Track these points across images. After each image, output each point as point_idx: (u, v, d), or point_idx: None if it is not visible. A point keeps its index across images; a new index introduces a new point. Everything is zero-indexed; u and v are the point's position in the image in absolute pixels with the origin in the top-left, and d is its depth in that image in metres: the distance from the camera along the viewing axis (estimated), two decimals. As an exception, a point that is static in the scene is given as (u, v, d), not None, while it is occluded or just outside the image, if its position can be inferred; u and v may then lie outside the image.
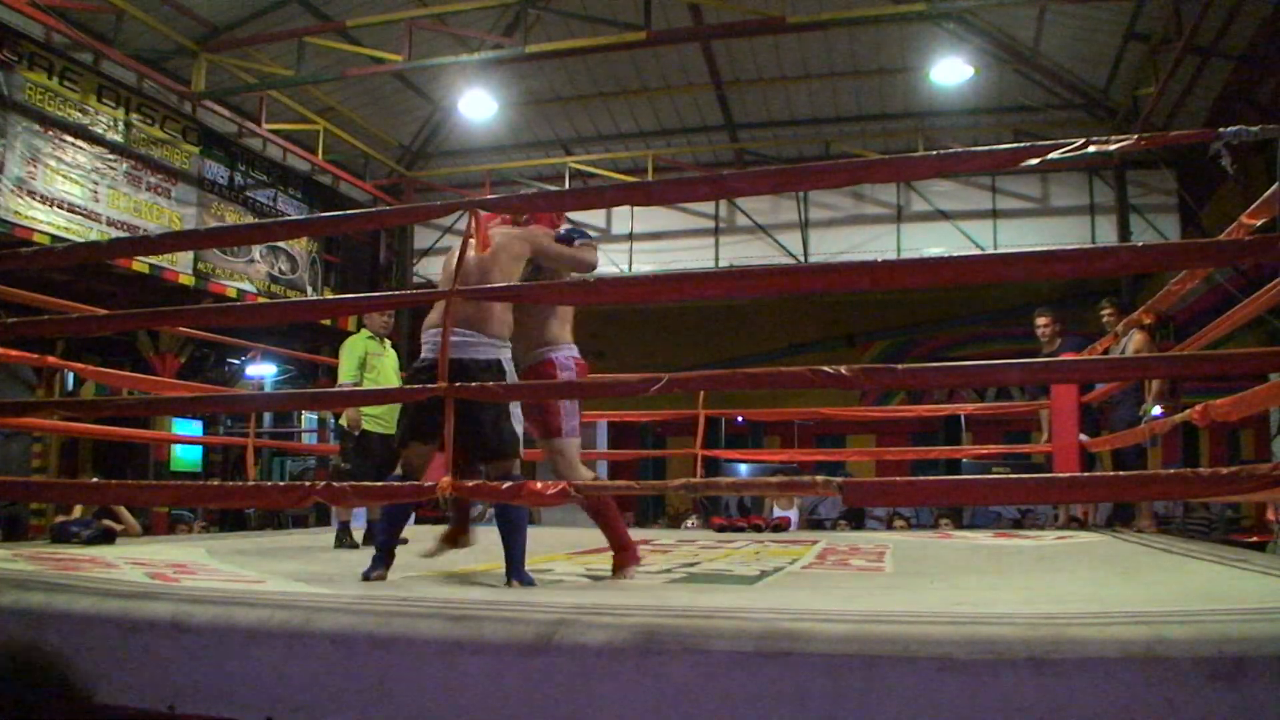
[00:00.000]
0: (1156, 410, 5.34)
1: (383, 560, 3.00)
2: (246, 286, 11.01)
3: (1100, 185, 11.91)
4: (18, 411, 4.91)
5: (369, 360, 5.20)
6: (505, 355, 3.15)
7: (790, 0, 8.95)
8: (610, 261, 13.11)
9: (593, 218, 13.34)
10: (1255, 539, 8.21)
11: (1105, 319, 6.26)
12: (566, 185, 13.10)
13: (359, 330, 5.44)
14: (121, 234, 9.18)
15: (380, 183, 13.35)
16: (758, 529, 6.45)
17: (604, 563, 3.45)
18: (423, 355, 3.17)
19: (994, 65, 11.16)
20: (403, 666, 2.00)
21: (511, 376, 3.14)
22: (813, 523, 12.34)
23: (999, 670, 1.71)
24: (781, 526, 6.70)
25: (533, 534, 3.15)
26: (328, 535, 5.28)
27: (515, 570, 2.96)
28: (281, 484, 4.65)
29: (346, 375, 5.17)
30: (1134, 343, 5.57)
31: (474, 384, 2.89)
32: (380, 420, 4.95)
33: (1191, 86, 10.04)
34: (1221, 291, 9.12)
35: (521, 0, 9.59)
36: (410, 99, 12.62)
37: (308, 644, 2.07)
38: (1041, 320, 6.56)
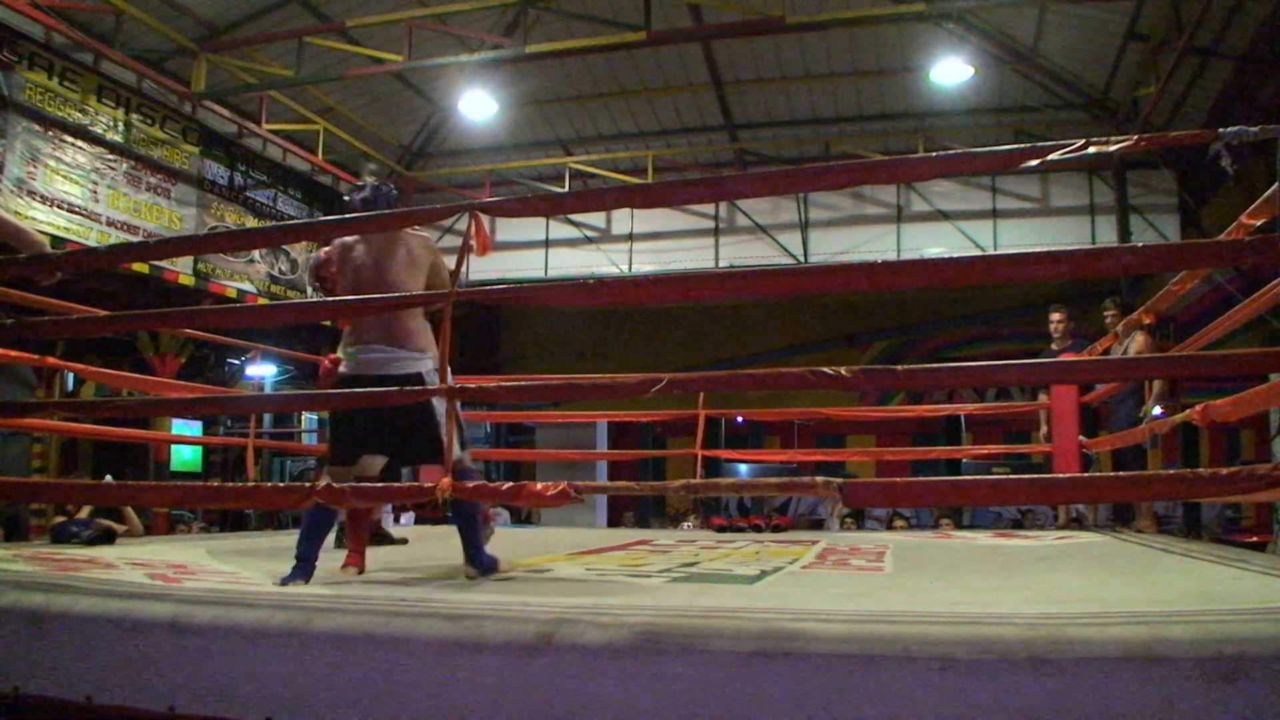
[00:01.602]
0: (1157, 410, 5.33)
1: (304, 570, 2.91)
2: (246, 287, 11.01)
3: (1100, 185, 11.91)
4: (18, 411, 4.90)
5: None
6: (427, 366, 3.13)
7: (790, 0, 8.95)
8: (610, 261, 13.13)
9: (593, 217, 13.36)
10: (1255, 539, 8.23)
11: (1108, 319, 6.26)
12: (566, 186, 13.11)
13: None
14: (121, 234, 9.18)
15: (380, 183, 13.34)
16: (758, 529, 6.45)
17: (604, 563, 3.45)
18: (342, 371, 3.18)
19: (994, 65, 11.17)
20: (403, 667, 2.00)
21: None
22: (813, 523, 12.38)
23: (999, 670, 1.71)
24: (781, 526, 6.71)
25: (532, 534, 3.16)
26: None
27: (475, 557, 3.03)
28: (281, 484, 4.64)
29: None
30: (1136, 344, 5.56)
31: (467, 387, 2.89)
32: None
33: (1191, 86, 10.05)
34: (1221, 291, 9.15)
35: (521, 0, 9.59)
36: (410, 99, 12.62)
37: (308, 644, 2.07)
38: (1056, 315, 6.58)
